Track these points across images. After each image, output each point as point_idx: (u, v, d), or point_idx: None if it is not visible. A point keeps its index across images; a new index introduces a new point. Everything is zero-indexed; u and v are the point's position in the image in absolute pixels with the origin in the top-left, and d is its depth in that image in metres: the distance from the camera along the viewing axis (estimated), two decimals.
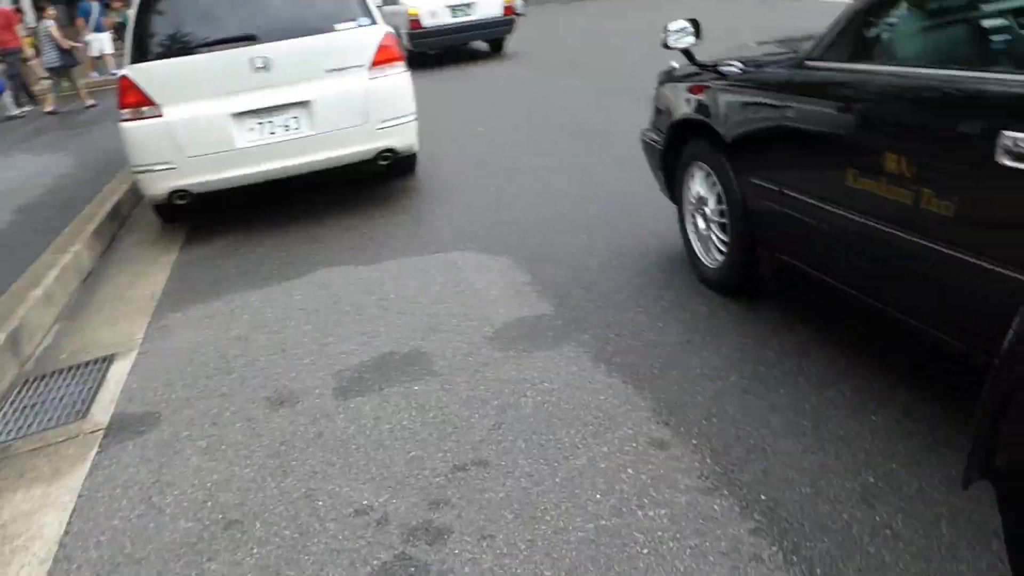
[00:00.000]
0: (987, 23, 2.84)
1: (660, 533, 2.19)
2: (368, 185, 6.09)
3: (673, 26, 3.62)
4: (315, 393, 3.17)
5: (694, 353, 3.10)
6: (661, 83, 3.94)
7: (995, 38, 2.78)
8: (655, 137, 3.96)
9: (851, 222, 2.58)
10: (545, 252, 4.35)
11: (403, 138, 5.54)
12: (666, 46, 3.63)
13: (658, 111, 3.96)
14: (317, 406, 3.08)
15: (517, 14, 14.62)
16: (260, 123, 5.11)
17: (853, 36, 2.64)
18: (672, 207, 3.98)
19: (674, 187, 3.87)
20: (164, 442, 2.99)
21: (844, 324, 3.13)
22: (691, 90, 3.57)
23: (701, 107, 3.43)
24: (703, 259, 3.67)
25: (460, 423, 2.83)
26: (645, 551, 2.14)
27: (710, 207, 3.53)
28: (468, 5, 13.37)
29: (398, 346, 3.47)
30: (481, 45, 14.59)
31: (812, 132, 2.81)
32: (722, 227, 3.46)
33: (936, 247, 2.24)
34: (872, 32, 2.63)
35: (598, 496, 2.37)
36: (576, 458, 2.56)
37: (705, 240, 3.64)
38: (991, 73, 2.35)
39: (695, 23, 3.64)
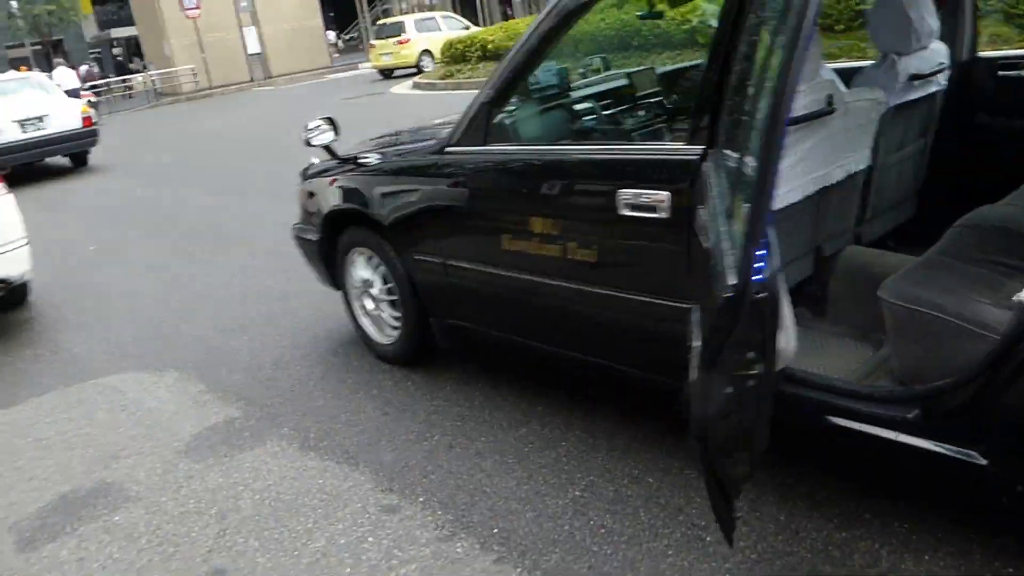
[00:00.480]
0: (579, 107, 3.53)
1: None
2: None
3: (312, 124, 3.86)
4: None
5: (395, 422, 3.30)
6: (305, 179, 4.14)
7: (588, 118, 3.47)
8: (308, 230, 4.13)
9: (511, 279, 3.01)
10: (213, 359, 4.26)
11: (13, 266, 5.07)
12: (308, 144, 3.86)
13: (307, 206, 4.14)
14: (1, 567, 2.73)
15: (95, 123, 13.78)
16: None
17: (483, 123, 3.09)
18: (331, 294, 4.16)
19: (336, 276, 4.06)
20: None
21: (518, 371, 3.55)
22: (334, 182, 3.81)
23: (356, 196, 3.68)
24: (378, 338, 3.90)
25: (180, 540, 2.72)
26: None
27: (377, 288, 3.78)
28: (40, 119, 12.30)
29: (78, 482, 3.19)
30: (61, 160, 13.50)
31: (464, 207, 3.21)
32: (392, 304, 3.73)
33: (587, 289, 2.73)
34: (499, 119, 3.11)
35: (348, 570, 2.45)
36: (315, 541, 2.61)
37: (377, 320, 3.88)
38: (600, 145, 2.94)
39: (331, 120, 3.92)
